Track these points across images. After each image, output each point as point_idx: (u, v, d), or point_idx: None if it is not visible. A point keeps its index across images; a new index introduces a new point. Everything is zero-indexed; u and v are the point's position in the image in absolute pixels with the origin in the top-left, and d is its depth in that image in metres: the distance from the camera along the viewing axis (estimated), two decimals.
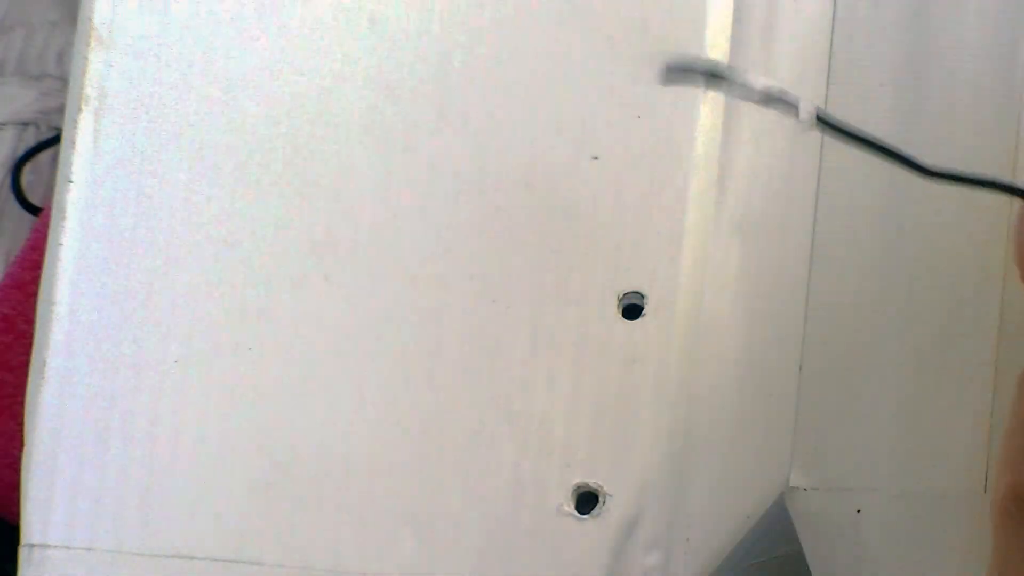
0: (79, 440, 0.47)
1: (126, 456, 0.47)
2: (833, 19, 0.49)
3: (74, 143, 0.48)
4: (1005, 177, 0.43)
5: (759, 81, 0.33)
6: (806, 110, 0.34)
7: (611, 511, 0.47)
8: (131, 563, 0.46)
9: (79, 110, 0.48)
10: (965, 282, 0.46)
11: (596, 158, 0.48)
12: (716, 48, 0.48)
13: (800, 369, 0.47)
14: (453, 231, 0.48)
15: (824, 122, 0.34)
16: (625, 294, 0.48)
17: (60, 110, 0.66)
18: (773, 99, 0.34)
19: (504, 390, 0.47)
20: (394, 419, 0.47)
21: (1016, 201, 0.35)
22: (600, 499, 0.47)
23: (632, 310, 0.48)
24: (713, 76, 0.34)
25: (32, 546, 0.46)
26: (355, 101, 0.49)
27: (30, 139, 0.69)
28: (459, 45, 0.49)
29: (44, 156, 0.68)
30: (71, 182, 0.48)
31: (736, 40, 0.49)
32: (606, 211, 0.48)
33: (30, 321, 0.49)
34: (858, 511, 0.46)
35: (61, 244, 0.48)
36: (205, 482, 0.47)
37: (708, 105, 0.48)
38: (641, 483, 0.47)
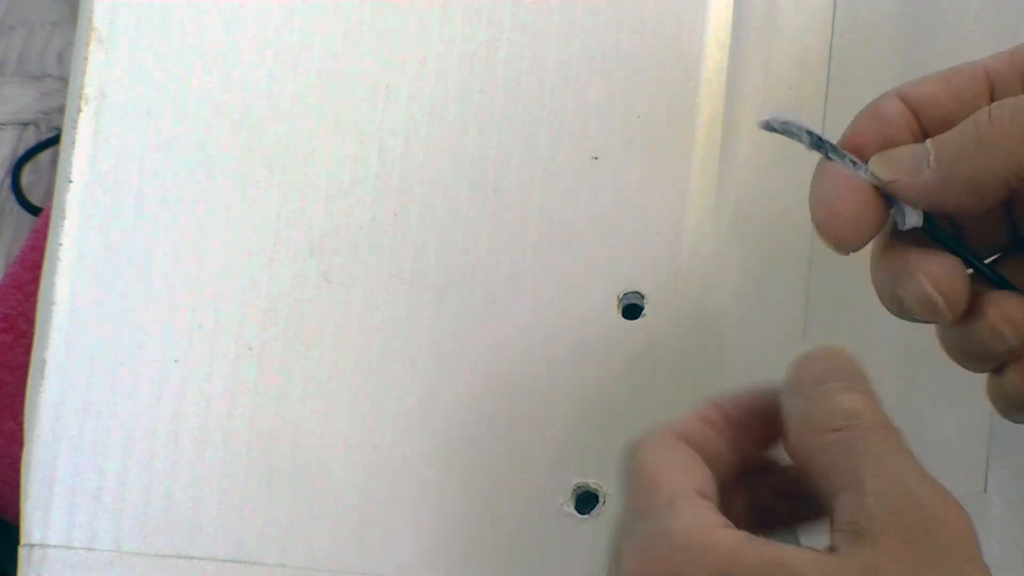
0: (79, 440, 0.47)
1: (126, 456, 0.47)
2: (833, 19, 0.49)
3: (74, 143, 0.48)
4: None
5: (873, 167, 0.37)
6: (912, 215, 0.37)
7: (611, 511, 0.47)
8: (131, 563, 0.46)
9: (79, 110, 0.48)
10: None
11: (596, 158, 0.48)
12: (716, 48, 0.48)
13: None
14: (453, 231, 0.48)
15: (928, 231, 0.37)
16: (625, 294, 0.48)
17: (60, 110, 0.66)
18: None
19: (504, 390, 0.47)
20: (394, 419, 0.47)
21: None
22: (600, 499, 0.47)
23: (632, 310, 0.48)
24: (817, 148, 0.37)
25: (32, 546, 0.46)
26: (354, 101, 0.49)
27: (30, 139, 0.69)
28: (459, 46, 0.49)
29: (44, 156, 0.68)
30: (71, 182, 0.48)
31: (736, 40, 0.49)
32: (606, 211, 0.48)
33: (30, 321, 0.49)
34: None
35: (61, 244, 0.48)
36: (205, 482, 0.47)
37: (707, 105, 0.48)
38: None
